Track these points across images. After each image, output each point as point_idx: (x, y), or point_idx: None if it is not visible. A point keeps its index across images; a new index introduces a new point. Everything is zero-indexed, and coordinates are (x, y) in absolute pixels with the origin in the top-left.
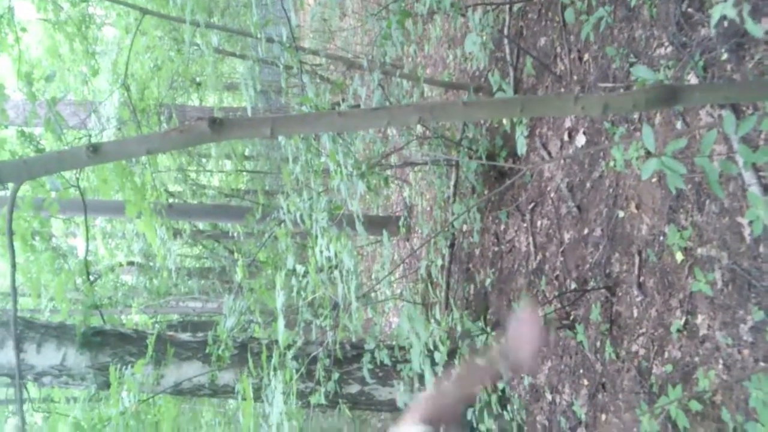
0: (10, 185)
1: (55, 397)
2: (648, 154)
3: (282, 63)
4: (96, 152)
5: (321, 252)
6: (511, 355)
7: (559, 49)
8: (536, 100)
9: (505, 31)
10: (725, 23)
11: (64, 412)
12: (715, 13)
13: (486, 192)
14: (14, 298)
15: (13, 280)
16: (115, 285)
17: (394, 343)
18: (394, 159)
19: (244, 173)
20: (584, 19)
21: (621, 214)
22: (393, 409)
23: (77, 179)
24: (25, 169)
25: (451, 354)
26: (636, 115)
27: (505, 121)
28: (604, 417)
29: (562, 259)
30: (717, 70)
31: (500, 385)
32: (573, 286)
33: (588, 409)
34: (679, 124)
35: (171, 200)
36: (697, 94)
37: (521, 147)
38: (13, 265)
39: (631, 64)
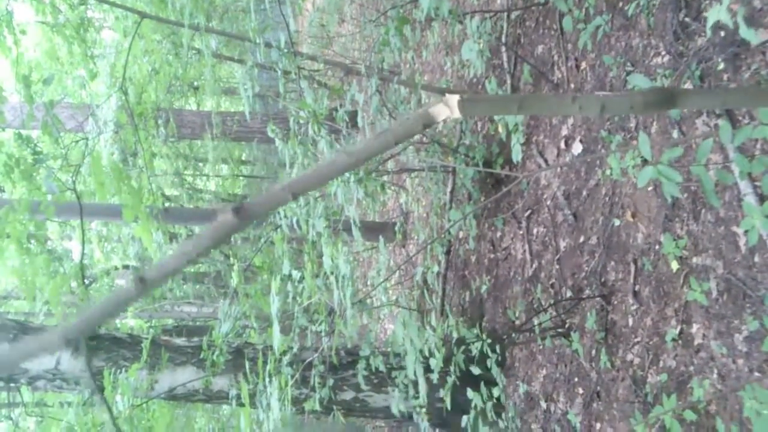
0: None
1: (49, 401)
2: (644, 162)
3: (280, 68)
4: (143, 282)
5: (331, 260)
6: None
7: (556, 57)
8: (534, 98)
9: (503, 39)
10: (722, 33)
11: (57, 416)
12: (711, 16)
13: (482, 199)
14: None
15: None
16: (110, 289)
17: (389, 349)
18: (391, 165)
19: (241, 177)
20: (582, 27)
21: (617, 222)
22: (388, 416)
23: (74, 182)
24: (88, 326)
25: (447, 361)
26: (632, 124)
27: (501, 128)
28: (598, 426)
29: (557, 266)
30: (713, 79)
31: (495, 393)
32: (568, 294)
33: (583, 417)
34: (675, 133)
35: (167, 204)
36: (695, 99)
37: (516, 154)
38: None
39: (628, 73)
